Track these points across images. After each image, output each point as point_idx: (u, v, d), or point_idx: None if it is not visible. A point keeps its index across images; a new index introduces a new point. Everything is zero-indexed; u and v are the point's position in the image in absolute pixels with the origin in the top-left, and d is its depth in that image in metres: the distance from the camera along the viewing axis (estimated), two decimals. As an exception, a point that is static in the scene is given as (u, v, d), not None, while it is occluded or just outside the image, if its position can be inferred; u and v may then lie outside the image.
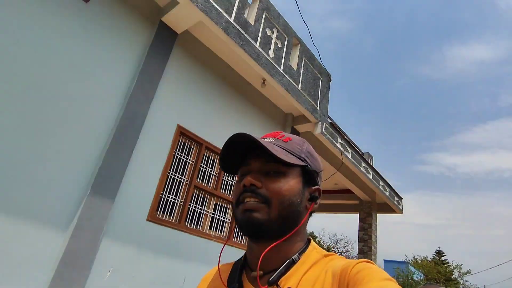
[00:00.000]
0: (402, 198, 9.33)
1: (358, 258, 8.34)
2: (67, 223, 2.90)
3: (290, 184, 0.59)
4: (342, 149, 6.13)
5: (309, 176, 0.62)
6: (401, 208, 9.14)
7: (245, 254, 0.66)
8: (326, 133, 5.73)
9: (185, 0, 3.57)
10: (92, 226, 2.97)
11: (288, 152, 0.61)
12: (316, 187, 0.64)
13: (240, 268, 0.63)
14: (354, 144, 7.62)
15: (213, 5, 3.87)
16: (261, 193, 0.57)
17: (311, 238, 0.64)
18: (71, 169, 3.00)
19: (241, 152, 0.62)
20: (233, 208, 0.62)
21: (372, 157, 9.45)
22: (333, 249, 25.66)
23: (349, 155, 6.57)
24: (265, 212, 0.56)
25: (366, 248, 8.39)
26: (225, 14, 4.04)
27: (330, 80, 6.29)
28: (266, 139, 0.64)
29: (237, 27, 4.21)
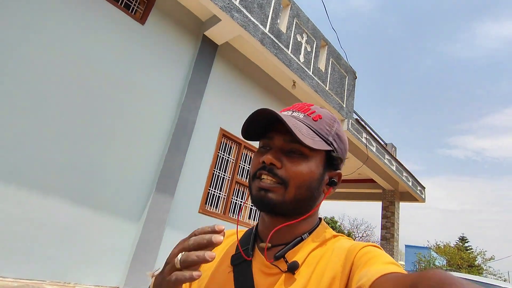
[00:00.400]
0: (425, 188, 9.57)
1: (381, 244, 8.77)
2: (139, 216, 3.52)
3: (311, 168, 0.56)
4: (367, 143, 6.48)
5: (332, 160, 0.60)
6: (423, 197, 9.40)
7: (258, 223, 0.66)
8: (352, 129, 6.09)
9: (226, 17, 4.00)
10: (158, 218, 3.58)
11: (316, 133, 0.58)
12: (337, 171, 0.61)
13: (254, 237, 0.63)
14: (379, 136, 7.91)
15: (250, 19, 4.27)
16: (279, 174, 0.56)
17: (322, 218, 0.64)
18: (139, 171, 3.59)
19: (265, 123, 0.59)
20: (249, 179, 0.60)
21: (395, 148, 9.67)
22: (353, 233, 26.04)
23: (374, 149, 6.90)
24: (280, 194, 0.55)
25: (388, 235, 8.78)
26: (260, 26, 4.44)
27: (356, 78, 6.57)
28: (294, 113, 0.61)
29: (272, 37, 4.61)
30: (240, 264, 0.58)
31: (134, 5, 3.87)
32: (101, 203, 3.27)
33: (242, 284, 0.54)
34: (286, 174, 0.55)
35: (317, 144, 0.56)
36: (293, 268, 0.52)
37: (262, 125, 0.60)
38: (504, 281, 22.20)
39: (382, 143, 8.56)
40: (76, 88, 3.21)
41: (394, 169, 7.85)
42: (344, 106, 6.04)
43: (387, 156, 7.54)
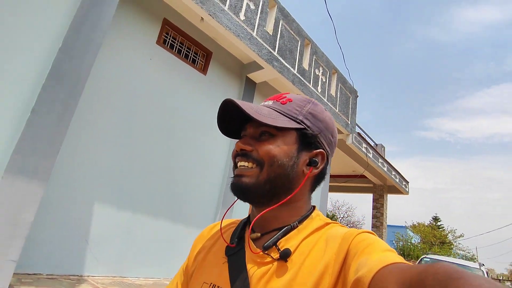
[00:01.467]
0: (408, 182, 11.15)
1: (372, 230, 10.33)
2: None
3: (280, 146, 0.56)
4: (366, 152, 7.81)
5: (307, 139, 0.58)
6: (407, 190, 11.00)
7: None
8: (355, 142, 7.37)
9: (268, 66, 5.06)
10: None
11: (282, 114, 0.58)
12: (317, 150, 0.59)
13: (242, 226, 0.63)
14: (374, 143, 9.26)
15: (284, 64, 5.35)
16: (253, 155, 0.56)
17: (315, 206, 0.63)
18: (209, 192, 4.73)
19: (240, 118, 0.60)
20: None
21: (384, 147, 11.12)
22: (336, 215, 27.99)
23: (371, 155, 8.25)
24: (255, 176, 0.55)
25: (378, 223, 10.36)
26: (291, 69, 5.53)
27: (357, 97, 7.79)
28: (266, 102, 0.62)
29: (299, 76, 5.71)
30: (234, 254, 0.57)
31: (198, 59, 4.86)
32: (185, 218, 4.40)
33: (236, 274, 0.54)
34: (258, 155, 0.56)
35: (280, 122, 0.56)
36: (285, 255, 0.51)
37: (238, 122, 0.61)
38: (472, 257, 24.99)
39: (373, 144, 9.96)
40: (160, 129, 4.24)
41: (386, 169, 9.28)
42: (349, 122, 7.28)
43: (380, 160, 8.94)
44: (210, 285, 0.56)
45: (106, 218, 3.50)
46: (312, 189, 0.62)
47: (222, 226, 0.67)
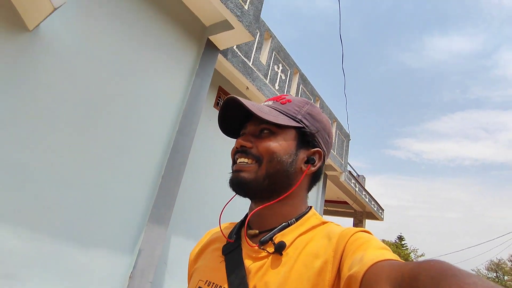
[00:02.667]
0: (383, 210, 12.82)
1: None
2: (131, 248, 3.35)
3: (280, 142, 0.58)
4: (356, 189, 9.29)
5: (305, 137, 0.61)
6: (382, 217, 12.64)
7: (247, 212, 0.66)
8: (347, 179, 8.81)
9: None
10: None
11: (282, 113, 0.60)
12: (315, 149, 0.61)
13: (240, 224, 0.65)
14: (357, 174, 10.79)
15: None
16: (252, 152, 0.58)
17: (312, 206, 0.64)
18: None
19: (240, 118, 0.62)
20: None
21: (365, 178, 12.75)
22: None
23: (357, 189, 9.75)
24: (253, 171, 0.57)
25: (357, 245, 11.85)
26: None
27: (350, 140, 9.28)
28: (266, 102, 0.64)
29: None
30: (231, 252, 0.58)
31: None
32: (96, 236, 5.48)
33: (232, 270, 0.55)
34: (257, 151, 0.58)
35: (282, 120, 0.58)
36: (280, 248, 0.52)
37: (238, 121, 0.64)
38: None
39: (356, 175, 11.53)
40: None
41: (367, 200, 10.83)
42: (343, 162, 8.71)
43: (363, 192, 10.48)
44: (205, 282, 0.57)
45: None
46: (309, 188, 0.64)
47: (222, 230, 0.65)
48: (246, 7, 4.02)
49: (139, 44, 3.39)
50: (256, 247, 0.56)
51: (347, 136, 9.12)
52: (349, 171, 9.29)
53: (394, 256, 0.42)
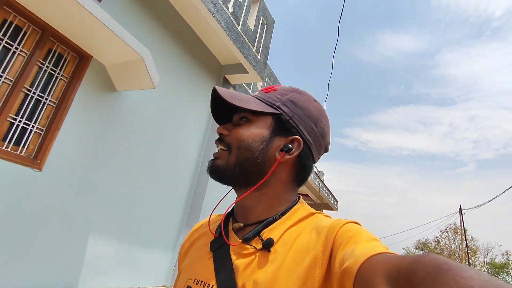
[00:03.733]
0: (338, 202, 14.83)
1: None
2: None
3: (251, 130, 0.57)
4: (320, 187, 10.90)
5: (282, 124, 0.57)
6: (337, 208, 14.66)
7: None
8: (312, 179, 10.36)
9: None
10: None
11: (261, 100, 0.59)
12: (293, 136, 0.57)
13: (226, 217, 0.63)
14: (317, 170, 12.47)
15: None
16: (225, 140, 0.58)
17: (300, 195, 0.63)
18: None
19: (231, 107, 0.60)
20: None
21: (324, 174, 14.57)
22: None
23: (319, 186, 11.41)
24: (225, 158, 0.57)
25: (314, 232, 13.73)
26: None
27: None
28: (255, 93, 0.63)
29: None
30: (219, 248, 0.57)
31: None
32: (150, 236, 6.63)
33: (220, 267, 0.53)
34: (230, 139, 0.58)
35: (253, 106, 0.57)
36: (268, 245, 0.51)
37: (230, 112, 0.63)
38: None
39: (317, 171, 13.24)
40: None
41: (326, 194, 12.61)
42: (310, 164, 10.23)
43: (324, 187, 12.22)
44: (194, 281, 0.56)
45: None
46: (295, 180, 0.60)
47: (210, 220, 0.65)
48: (258, 56, 5.05)
49: (177, 85, 4.29)
50: (240, 244, 0.54)
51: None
52: (315, 172, 10.86)
53: (385, 248, 0.41)
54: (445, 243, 34.15)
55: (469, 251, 25.44)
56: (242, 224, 0.58)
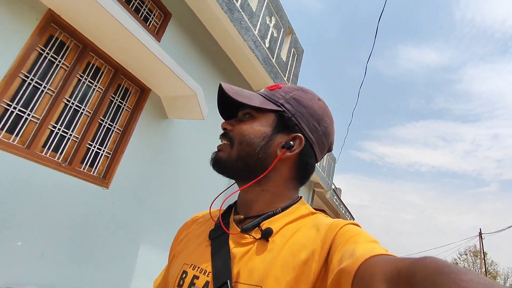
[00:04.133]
0: (354, 219, 14.92)
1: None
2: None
3: (254, 125, 0.58)
4: (337, 204, 11.13)
5: (284, 121, 0.58)
6: (353, 224, 14.79)
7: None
8: (331, 197, 10.60)
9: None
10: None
11: (265, 98, 0.60)
12: (295, 134, 0.58)
13: (228, 209, 0.64)
14: (335, 186, 12.69)
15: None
16: (228, 134, 0.60)
17: (302, 196, 0.63)
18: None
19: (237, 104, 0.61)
20: None
21: (341, 190, 14.74)
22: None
23: (337, 203, 11.61)
24: (227, 152, 0.58)
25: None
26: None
27: (336, 162, 11.06)
28: (260, 90, 0.64)
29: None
30: (217, 237, 0.57)
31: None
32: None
33: (217, 254, 0.54)
34: (233, 133, 0.59)
35: (257, 102, 0.58)
36: (266, 234, 0.52)
37: (235, 109, 0.63)
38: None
39: (334, 187, 13.45)
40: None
41: (343, 211, 12.78)
42: (329, 182, 10.46)
43: (341, 204, 12.40)
44: (190, 266, 0.56)
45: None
46: (296, 178, 0.60)
47: (212, 214, 0.65)
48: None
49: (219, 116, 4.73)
50: (239, 233, 0.55)
51: (333, 160, 10.88)
52: (333, 188, 11.10)
53: (385, 250, 0.41)
54: (464, 266, 33.05)
55: (488, 276, 24.64)
56: (242, 217, 0.59)
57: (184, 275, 0.55)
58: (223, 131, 0.62)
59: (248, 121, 0.59)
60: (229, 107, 0.64)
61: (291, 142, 0.57)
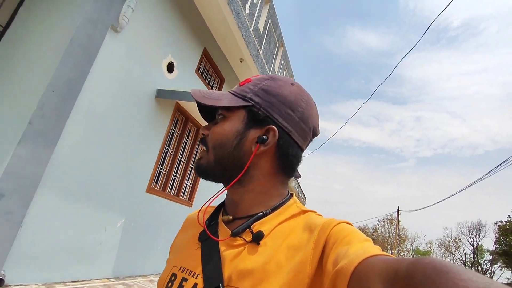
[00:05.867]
0: (306, 199, 17.86)
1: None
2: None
3: (224, 126, 0.56)
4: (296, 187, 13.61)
5: (255, 116, 0.55)
6: (305, 204, 17.72)
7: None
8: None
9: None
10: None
11: (234, 95, 0.58)
12: (267, 126, 0.54)
13: (217, 210, 0.63)
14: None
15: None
16: (205, 140, 0.58)
17: (293, 193, 0.61)
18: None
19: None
20: None
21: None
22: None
23: (295, 186, 14.13)
24: (206, 158, 0.57)
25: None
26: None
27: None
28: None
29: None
30: (207, 239, 0.56)
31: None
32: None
33: (208, 257, 0.53)
34: (208, 138, 0.57)
35: (223, 102, 0.56)
36: (257, 238, 0.50)
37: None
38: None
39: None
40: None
41: (299, 193, 15.43)
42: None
43: (297, 186, 15.04)
44: (180, 269, 0.56)
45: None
46: (281, 171, 0.57)
47: (205, 211, 0.63)
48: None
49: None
50: (229, 238, 0.53)
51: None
52: (296, 178, 13.57)
53: (378, 249, 0.40)
54: (381, 231, 39.78)
55: (399, 239, 30.61)
56: (231, 217, 0.57)
57: (173, 277, 0.55)
58: (201, 137, 0.59)
59: (221, 122, 0.57)
60: (209, 111, 0.63)
61: (264, 136, 0.54)
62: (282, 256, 0.47)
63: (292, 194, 0.59)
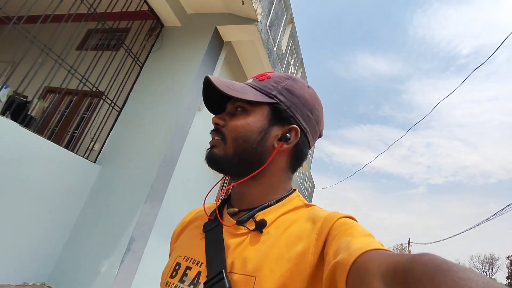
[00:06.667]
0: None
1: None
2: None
3: (248, 121, 0.56)
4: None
5: (279, 114, 0.57)
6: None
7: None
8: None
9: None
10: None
11: (257, 90, 0.58)
12: (291, 125, 0.57)
13: (222, 202, 0.64)
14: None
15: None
16: (221, 130, 0.57)
17: (296, 188, 0.62)
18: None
19: (224, 96, 0.58)
20: None
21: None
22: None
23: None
24: (222, 148, 0.56)
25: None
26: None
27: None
28: (248, 81, 0.62)
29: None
30: (211, 230, 0.57)
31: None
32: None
33: (211, 246, 0.54)
34: (226, 129, 0.57)
35: (250, 96, 0.56)
36: (260, 225, 0.51)
37: (222, 100, 0.61)
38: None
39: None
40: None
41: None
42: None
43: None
44: (184, 258, 0.57)
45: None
46: (291, 167, 0.60)
47: (205, 209, 0.64)
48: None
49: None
50: (234, 226, 0.54)
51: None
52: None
53: (380, 244, 0.40)
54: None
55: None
56: (236, 209, 0.58)
57: (178, 266, 0.56)
58: (214, 127, 0.59)
59: (241, 115, 0.57)
60: (214, 99, 0.63)
61: (288, 134, 0.56)
62: (284, 244, 0.48)
63: (295, 189, 0.61)
